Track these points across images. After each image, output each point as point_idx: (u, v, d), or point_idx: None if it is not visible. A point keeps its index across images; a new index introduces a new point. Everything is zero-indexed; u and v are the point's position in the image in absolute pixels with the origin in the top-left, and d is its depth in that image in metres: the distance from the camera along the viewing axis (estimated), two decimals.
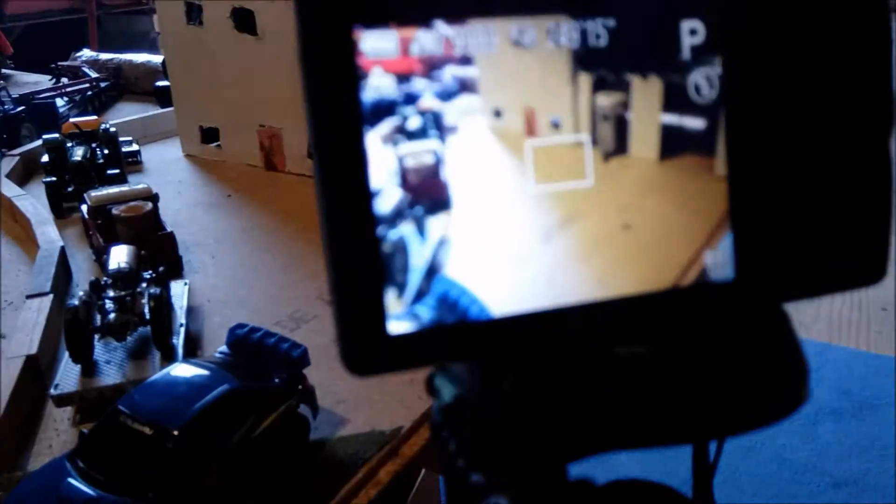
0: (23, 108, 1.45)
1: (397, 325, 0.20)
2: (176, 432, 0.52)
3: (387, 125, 0.19)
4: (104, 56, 2.07)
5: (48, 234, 0.98)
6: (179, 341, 0.72)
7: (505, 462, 0.20)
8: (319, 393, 0.70)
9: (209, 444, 0.53)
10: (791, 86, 0.21)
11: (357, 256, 0.19)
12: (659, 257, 0.21)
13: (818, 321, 2.41)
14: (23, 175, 1.31)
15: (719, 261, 0.22)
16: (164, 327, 0.69)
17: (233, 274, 0.96)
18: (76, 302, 0.66)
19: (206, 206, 1.20)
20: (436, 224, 0.20)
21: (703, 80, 0.21)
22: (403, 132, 0.19)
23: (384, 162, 0.19)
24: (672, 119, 0.21)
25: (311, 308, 0.86)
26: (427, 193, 0.20)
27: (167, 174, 1.35)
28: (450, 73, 0.19)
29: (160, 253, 0.87)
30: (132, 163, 1.38)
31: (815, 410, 2.59)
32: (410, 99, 0.19)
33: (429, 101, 0.19)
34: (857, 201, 0.22)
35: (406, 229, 0.19)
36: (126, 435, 0.52)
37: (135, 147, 1.41)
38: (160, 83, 1.83)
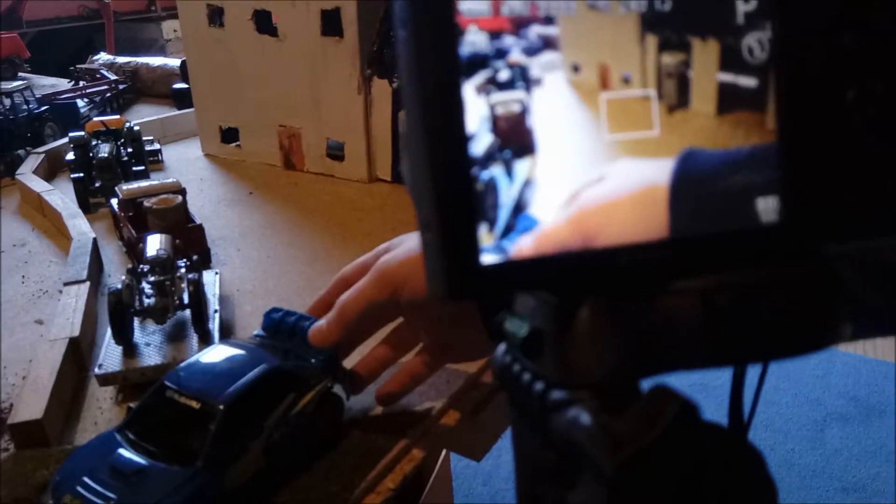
0: (46, 107, 1.48)
1: (488, 257, 0.22)
2: (222, 406, 0.54)
3: (480, 77, 0.22)
4: (121, 59, 2.10)
5: (79, 226, 1.00)
6: (215, 326, 0.74)
7: (584, 378, 0.22)
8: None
9: (253, 418, 0.55)
10: (834, 48, 0.24)
11: (455, 194, 0.21)
12: None
13: (889, 340, 2.41)
14: (48, 172, 1.33)
15: (769, 206, 0.24)
16: (203, 312, 0.71)
17: (259, 266, 0.98)
18: (119, 286, 0.68)
19: (229, 203, 1.23)
20: (522, 167, 0.22)
21: (756, 43, 0.24)
22: (495, 83, 0.22)
23: (478, 110, 0.22)
24: (728, 77, 0.24)
25: None
26: (514, 139, 0.22)
27: (188, 172, 1.38)
28: (535, 31, 0.22)
29: (190, 244, 0.90)
30: (154, 161, 1.40)
31: (823, 416, 2.59)
32: (501, 54, 0.22)
33: (516, 56, 0.22)
34: (892, 153, 0.25)
35: (496, 171, 0.22)
36: (174, 409, 0.54)
37: (156, 146, 1.44)
38: (177, 86, 1.86)
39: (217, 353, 0.60)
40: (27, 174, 1.25)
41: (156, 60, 2.06)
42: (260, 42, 1.31)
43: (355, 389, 0.66)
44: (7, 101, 1.40)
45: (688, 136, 0.23)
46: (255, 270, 0.97)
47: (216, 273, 0.87)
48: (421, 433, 0.65)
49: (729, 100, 0.24)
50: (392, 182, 1.29)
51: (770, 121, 0.24)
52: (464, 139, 0.21)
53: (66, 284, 0.83)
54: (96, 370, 0.67)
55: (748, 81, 0.24)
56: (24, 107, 1.42)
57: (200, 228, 0.94)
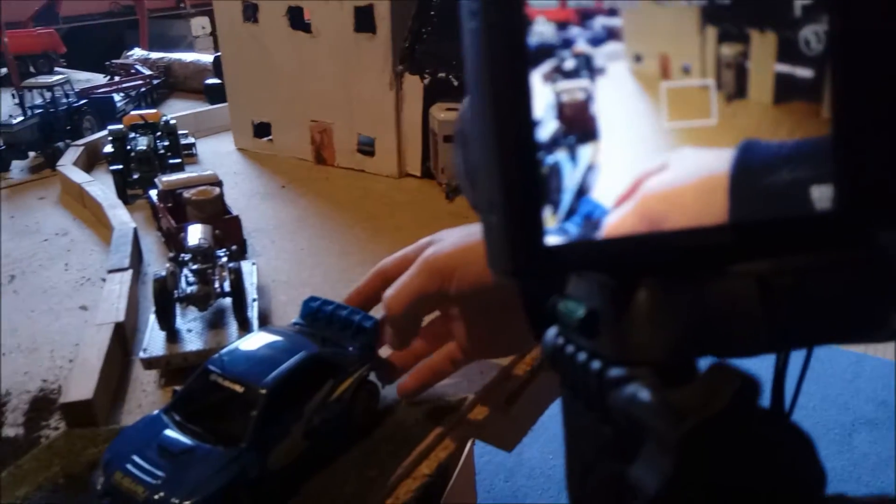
0: (84, 101, 1.52)
1: (551, 239, 0.23)
2: (264, 391, 0.54)
3: (547, 65, 0.23)
4: (154, 55, 2.14)
5: (120, 216, 1.03)
6: (254, 314, 0.76)
7: (642, 356, 0.23)
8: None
9: (293, 403, 0.57)
10: (890, 39, 0.24)
11: (522, 177, 0.22)
12: None
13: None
14: (86, 164, 1.37)
15: (824, 194, 0.25)
16: (243, 299, 0.73)
17: (293, 257, 1.00)
18: (164, 273, 0.70)
19: (262, 196, 1.25)
20: (585, 152, 0.23)
21: (812, 35, 0.24)
22: (560, 72, 0.23)
23: (544, 97, 0.23)
24: (785, 69, 0.24)
25: None
26: (578, 125, 0.23)
27: (222, 166, 1.40)
28: (599, 22, 0.23)
29: (227, 235, 0.92)
30: (188, 155, 1.43)
31: (851, 420, 2.56)
32: (566, 44, 0.23)
33: (581, 46, 0.23)
34: None
35: (560, 156, 0.23)
36: (218, 392, 0.56)
37: (191, 140, 1.47)
38: (209, 81, 1.89)
39: (258, 340, 0.61)
40: (68, 166, 1.28)
41: (188, 56, 2.10)
42: (293, 38, 1.34)
43: (388, 379, 0.67)
44: (48, 95, 1.43)
45: (745, 124, 0.24)
46: (289, 262, 0.98)
47: (253, 263, 0.88)
48: (455, 422, 0.66)
49: (785, 90, 0.24)
50: (421, 177, 1.30)
51: (826, 111, 0.25)
52: (531, 125, 0.22)
53: (109, 272, 0.85)
54: (141, 354, 0.69)
55: (805, 72, 0.24)
56: (64, 100, 1.46)
57: (237, 220, 0.96)
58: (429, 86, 1.24)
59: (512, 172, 0.22)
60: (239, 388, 0.55)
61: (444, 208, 1.18)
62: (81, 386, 0.64)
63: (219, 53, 1.63)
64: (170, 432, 0.54)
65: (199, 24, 4.72)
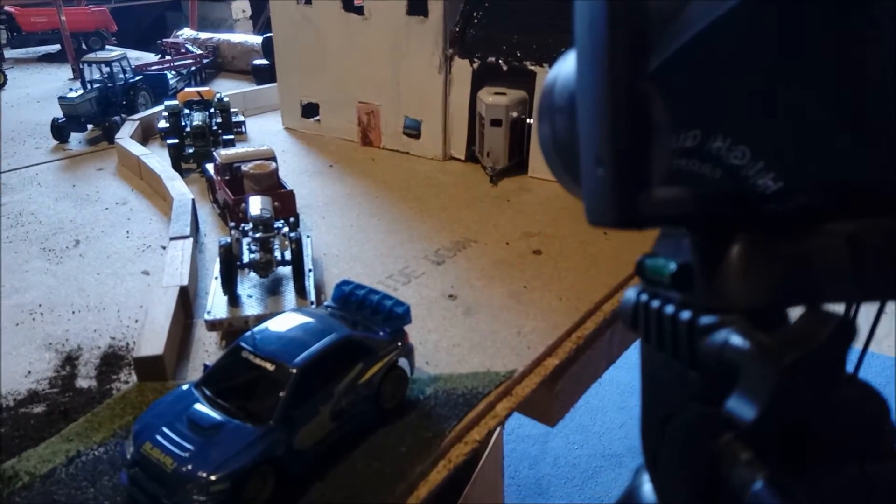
0: (140, 77, 1.56)
1: (657, 192, 0.25)
2: (295, 370, 0.55)
3: None
4: (203, 35, 2.18)
5: (178, 187, 1.07)
6: (310, 284, 0.79)
7: (734, 305, 0.25)
8: (435, 337, 0.76)
9: (323, 384, 0.57)
10: None
11: (632, 135, 0.24)
12: None
13: (890, 335, 2.35)
14: (141, 138, 1.41)
15: None
16: (302, 268, 0.76)
17: (343, 233, 1.03)
18: (229, 240, 0.73)
19: (311, 174, 1.28)
20: None
21: None
22: None
23: None
24: None
25: (419, 266, 0.92)
26: None
27: (270, 144, 1.42)
28: None
29: (282, 207, 0.95)
30: (238, 133, 1.47)
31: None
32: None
33: None
34: None
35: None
36: (249, 369, 0.56)
37: (241, 118, 1.50)
38: (257, 62, 1.93)
39: (290, 320, 0.61)
40: (125, 138, 1.32)
41: (236, 37, 2.14)
42: (346, 20, 1.36)
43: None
44: (106, 70, 1.48)
45: None
46: (339, 237, 1.01)
47: (308, 236, 0.91)
48: (502, 393, 0.68)
49: None
50: (465, 161, 1.32)
51: None
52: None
53: (171, 239, 0.88)
54: (206, 316, 0.72)
55: None
56: (121, 76, 1.51)
57: (291, 194, 0.99)
58: (477, 70, 1.25)
59: (623, 127, 0.24)
60: (270, 367, 0.55)
61: (488, 191, 1.20)
62: (152, 343, 0.67)
63: (268, 34, 1.66)
64: (199, 406, 0.54)
65: (240, 8, 4.79)
